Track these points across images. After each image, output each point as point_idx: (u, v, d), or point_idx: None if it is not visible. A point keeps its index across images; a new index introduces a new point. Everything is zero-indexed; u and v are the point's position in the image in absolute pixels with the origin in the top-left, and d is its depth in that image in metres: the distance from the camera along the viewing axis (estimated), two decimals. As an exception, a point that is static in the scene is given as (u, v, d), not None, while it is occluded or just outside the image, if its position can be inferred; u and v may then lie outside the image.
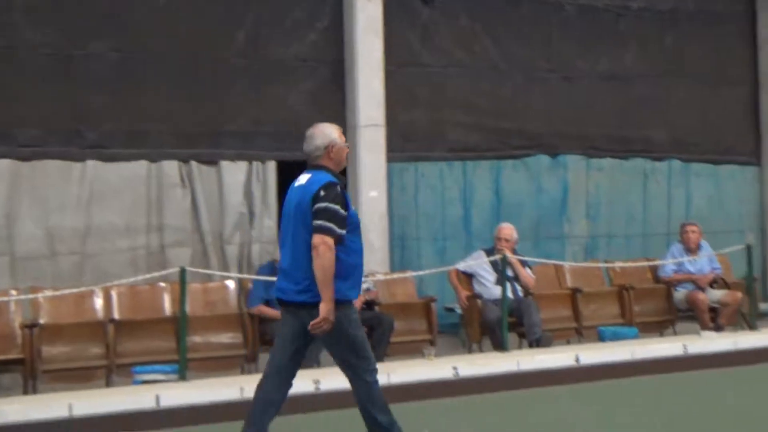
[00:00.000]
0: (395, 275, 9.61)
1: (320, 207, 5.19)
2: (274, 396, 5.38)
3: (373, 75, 10.17)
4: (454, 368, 7.74)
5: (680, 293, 9.97)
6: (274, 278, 8.10)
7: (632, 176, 11.74)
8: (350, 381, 5.40)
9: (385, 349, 8.30)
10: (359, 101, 10.10)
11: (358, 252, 5.36)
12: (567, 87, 11.45)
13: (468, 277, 9.38)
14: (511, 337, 8.84)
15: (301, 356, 5.44)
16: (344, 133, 9.94)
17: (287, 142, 10.00)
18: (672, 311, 10.02)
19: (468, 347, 9.19)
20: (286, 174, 10.21)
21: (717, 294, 9.95)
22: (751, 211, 12.34)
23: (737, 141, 12.38)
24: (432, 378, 7.62)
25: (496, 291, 8.94)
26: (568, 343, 9.41)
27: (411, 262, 10.40)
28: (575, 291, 9.64)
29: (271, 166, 9.98)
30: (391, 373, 7.48)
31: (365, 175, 10.09)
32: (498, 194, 10.97)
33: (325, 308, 5.08)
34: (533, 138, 11.22)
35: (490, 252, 9.26)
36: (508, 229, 9.38)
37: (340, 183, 5.36)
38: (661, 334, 9.92)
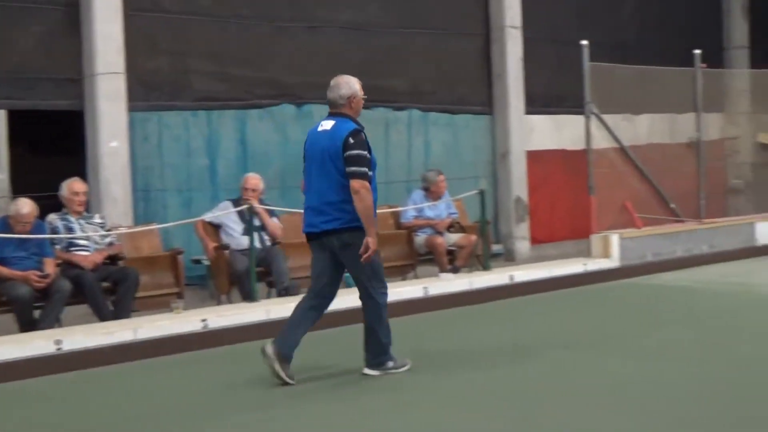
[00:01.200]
0: (139, 228, 9.35)
1: (352, 154, 5.90)
2: (304, 316, 6.09)
3: (111, 20, 9.73)
4: (203, 320, 7.68)
5: (420, 238, 10.40)
6: (8, 235, 7.70)
7: (375, 125, 12.00)
8: (362, 300, 6.09)
9: (130, 305, 8.09)
10: (96, 47, 9.64)
11: (375, 188, 6.04)
12: (311, 36, 11.51)
13: (215, 228, 9.30)
14: (260, 287, 8.87)
15: (339, 278, 6.24)
16: (80, 81, 9.62)
17: (18, 90, 9.41)
18: (413, 255, 10.43)
19: (217, 299, 9.14)
20: (19, 124, 9.64)
21: (454, 237, 10.47)
22: (484, 159, 13.05)
23: (471, 91, 13.00)
24: (181, 331, 7.51)
25: (243, 241, 8.93)
26: (316, 290, 9.56)
27: (156, 214, 10.15)
28: (322, 239, 9.78)
29: (1, 116, 9.34)
30: (138, 328, 7.32)
31: (105, 124, 9.69)
32: (244, 144, 10.90)
33: (371, 241, 5.90)
34: (279, 87, 11.21)
35: (236, 202, 9.22)
36: (254, 179, 9.37)
37: (362, 129, 6.04)
38: (404, 278, 10.32)
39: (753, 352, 6.63)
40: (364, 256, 5.89)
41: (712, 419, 4.95)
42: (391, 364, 6.16)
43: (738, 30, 16.23)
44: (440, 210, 10.64)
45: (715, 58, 15.42)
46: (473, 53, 13.06)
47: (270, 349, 5.92)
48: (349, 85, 6.14)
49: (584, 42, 11.51)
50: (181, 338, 7.45)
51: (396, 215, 10.75)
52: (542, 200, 13.34)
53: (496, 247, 12.42)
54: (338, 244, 6.02)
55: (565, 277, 10.48)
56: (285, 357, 5.94)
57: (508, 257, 12.83)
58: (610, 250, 11.14)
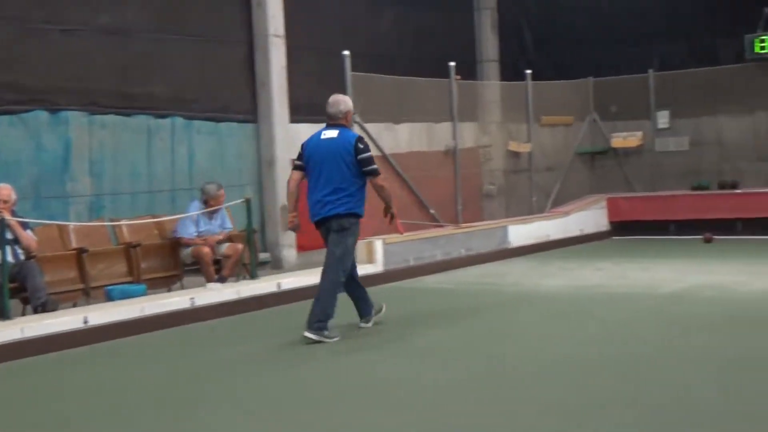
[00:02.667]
0: None
1: (365, 157, 7.44)
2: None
3: None
4: (-50, 342, 7.15)
5: (186, 248, 10.19)
6: None
7: (136, 133, 11.66)
8: (324, 272, 7.51)
9: None
10: None
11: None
12: (65, 40, 10.99)
13: (-38, 242, 8.67)
14: (14, 304, 8.36)
15: None
16: None
17: None
18: (179, 266, 10.22)
19: (-35, 318, 8.52)
20: None
21: (221, 247, 10.34)
22: (249, 167, 12.98)
23: (236, 99, 12.90)
24: (-76, 355, 6.96)
25: (-6, 256, 8.39)
26: (75, 305, 9.15)
27: None
28: (81, 251, 9.38)
29: None
30: None
31: None
32: (-7, 152, 10.25)
33: (395, 211, 7.87)
34: (30, 93, 10.61)
35: (-14, 214, 8.65)
36: (5, 190, 8.81)
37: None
38: (170, 289, 10.08)
39: (508, 350, 7.00)
40: (398, 225, 8.00)
41: (475, 414, 5.17)
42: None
43: (489, 45, 17.14)
44: (215, 224, 10.45)
45: (469, 71, 16.22)
46: (237, 61, 12.97)
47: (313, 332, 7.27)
48: (346, 102, 7.72)
49: (346, 52, 11.72)
50: (-75, 362, 6.90)
51: (161, 226, 10.48)
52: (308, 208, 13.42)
53: (263, 256, 12.39)
54: (336, 226, 7.44)
55: (331, 283, 10.59)
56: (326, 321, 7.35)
57: (276, 265, 12.83)
58: (374, 255, 11.40)
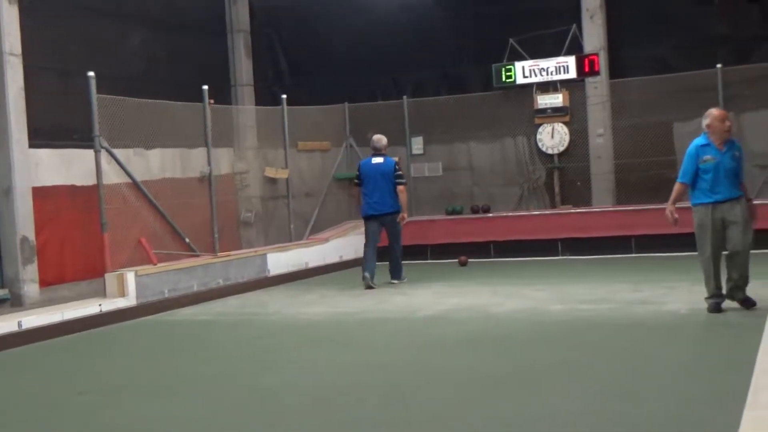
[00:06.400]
0: None
1: (399, 173, 12.20)
2: (373, 256, 12.16)
3: None
4: None
5: None
6: None
7: None
8: (392, 244, 12.32)
9: None
10: None
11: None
12: None
13: None
14: None
15: (379, 237, 12.40)
16: None
17: None
18: None
19: None
20: None
21: (-50, 285, 9.39)
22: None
23: (-34, 122, 11.78)
24: None
25: None
26: None
27: None
28: None
29: None
30: None
31: None
32: None
33: (406, 215, 12.29)
34: None
35: None
36: None
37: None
38: None
39: (268, 381, 6.74)
40: (403, 222, 12.13)
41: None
42: (405, 277, 12.46)
43: (243, 68, 16.82)
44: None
45: (224, 95, 15.83)
46: (-33, 81, 11.83)
47: (368, 278, 11.88)
48: (386, 139, 12.46)
49: (91, 73, 11.06)
50: None
51: None
52: (51, 239, 12.47)
53: (1, 293, 11.38)
54: (389, 219, 12.05)
55: (80, 319, 10.03)
56: (373, 277, 11.99)
57: (16, 302, 11.78)
58: (126, 288, 10.77)
